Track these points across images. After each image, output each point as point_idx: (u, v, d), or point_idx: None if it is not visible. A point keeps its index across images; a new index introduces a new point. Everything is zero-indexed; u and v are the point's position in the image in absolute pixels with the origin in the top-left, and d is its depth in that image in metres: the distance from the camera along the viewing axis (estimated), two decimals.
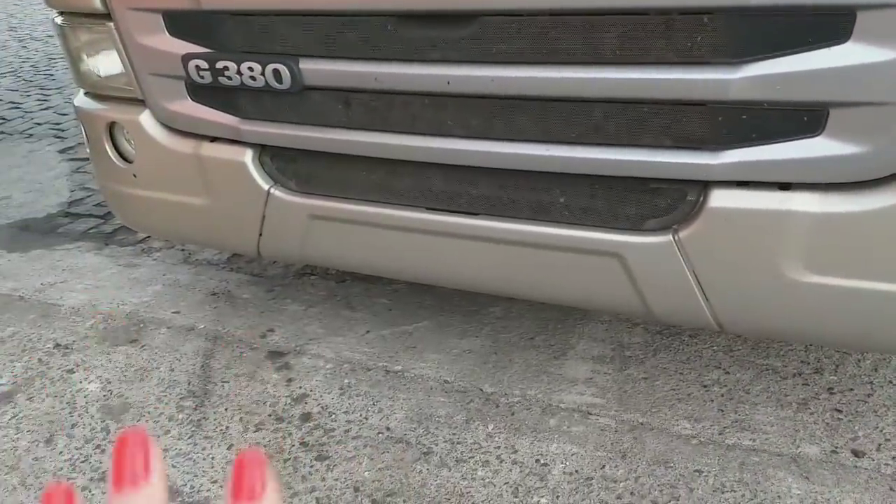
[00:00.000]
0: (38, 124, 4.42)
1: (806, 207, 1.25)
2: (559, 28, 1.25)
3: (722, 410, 1.84)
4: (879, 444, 1.71)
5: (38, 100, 4.95)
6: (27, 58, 6.26)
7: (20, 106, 4.81)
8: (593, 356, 2.08)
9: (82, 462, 1.77)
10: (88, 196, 3.35)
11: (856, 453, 1.69)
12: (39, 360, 2.17)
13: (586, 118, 1.32)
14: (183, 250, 2.82)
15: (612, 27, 1.22)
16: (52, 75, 5.60)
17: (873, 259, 1.25)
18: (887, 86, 1.12)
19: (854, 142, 1.17)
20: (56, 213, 3.21)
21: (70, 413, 1.94)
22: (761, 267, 1.32)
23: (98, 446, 1.82)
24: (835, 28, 1.11)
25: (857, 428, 1.76)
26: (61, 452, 1.81)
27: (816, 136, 1.19)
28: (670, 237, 1.37)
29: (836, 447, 1.71)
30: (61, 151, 3.95)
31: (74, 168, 3.70)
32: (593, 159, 1.34)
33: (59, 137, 4.17)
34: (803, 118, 1.18)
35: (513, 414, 1.87)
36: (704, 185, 1.31)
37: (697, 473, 1.65)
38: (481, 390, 1.96)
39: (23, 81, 5.44)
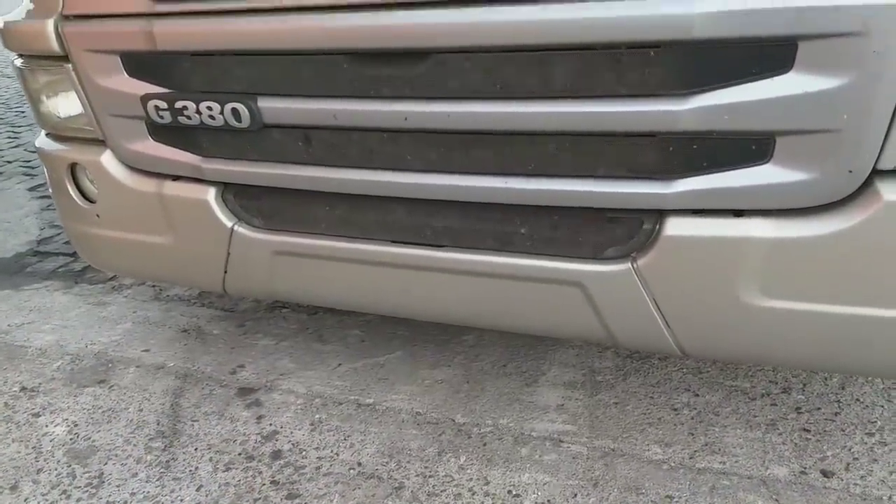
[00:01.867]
0: (8, 162, 4.39)
1: (759, 233, 1.27)
2: (511, 64, 1.27)
3: (692, 434, 1.84)
4: (848, 464, 1.72)
5: (8, 137, 4.91)
6: None
7: None
8: (564, 382, 2.08)
9: None
10: (58, 234, 3.32)
11: (825, 473, 1.70)
12: (5, 403, 2.13)
13: (541, 151, 1.33)
14: (154, 287, 2.80)
15: (562, 62, 1.24)
16: (22, 112, 5.57)
17: (826, 282, 1.27)
18: (830, 113, 1.14)
19: (801, 168, 1.20)
20: (24, 252, 3.17)
21: (36, 458, 1.90)
22: (719, 293, 1.33)
23: (64, 492, 1.78)
24: (777, 58, 1.14)
25: (825, 447, 1.77)
26: (27, 499, 1.77)
27: (765, 163, 1.21)
28: (629, 265, 1.38)
29: (805, 468, 1.72)
30: (31, 189, 3.92)
31: (44, 206, 3.67)
32: (550, 191, 1.36)
33: (28, 175, 4.14)
34: (751, 146, 1.21)
35: (485, 444, 1.86)
36: (660, 214, 1.33)
37: (668, 499, 1.65)
38: (453, 421, 1.95)
39: None
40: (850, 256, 1.24)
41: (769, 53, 1.14)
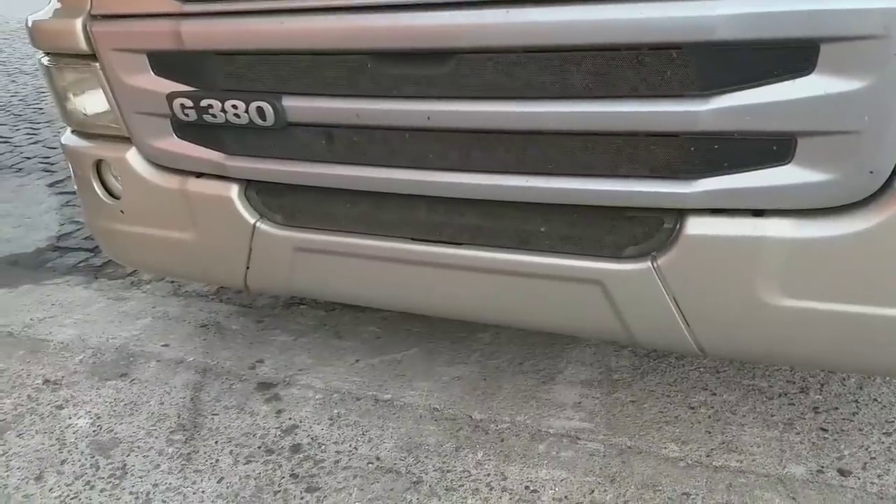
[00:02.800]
0: (27, 158, 4.44)
1: (779, 233, 1.28)
2: (534, 64, 1.28)
3: (709, 432, 1.85)
4: (865, 463, 1.73)
5: (28, 134, 4.97)
6: (16, 92, 6.30)
7: (9, 140, 4.83)
8: (581, 380, 2.09)
9: (72, 499, 1.77)
10: (77, 230, 3.36)
11: (842, 472, 1.70)
12: (29, 396, 2.17)
13: (562, 150, 1.35)
14: (172, 283, 2.83)
15: (585, 62, 1.25)
16: (41, 109, 5.63)
17: (846, 282, 1.28)
18: (851, 115, 1.15)
19: (822, 169, 1.20)
20: (45, 248, 3.21)
21: (59, 449, 1.94)
22: (738, 292, 1.35)
23: (88, 482, 1.82)
24: (799, 60, 1.15)
25: (842, 447, 1.78)
26: (51, 489, 1.80)
27: (786, 164, 1.22)
28: (649, 264, 1.39)
29: (823, 467, 1.72)
30: (50, 185, 3.97)
31: (63, 202, 3.72)
32: (571, 189, 1.37)
33: (48, 171, 4.19)
34: (773, 147, 1.22)
35: (502, 440, 1.88)
36: (680, 213, 1.34)
37: (685, 496, 1.66)
38: (471, 417, 1.97)
39: (12, 115, 5.47)
40: (871, 256, 1.25)
41: (791, 55, 1.15)
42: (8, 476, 1.85)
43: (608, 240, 1.43)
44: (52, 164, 4.30)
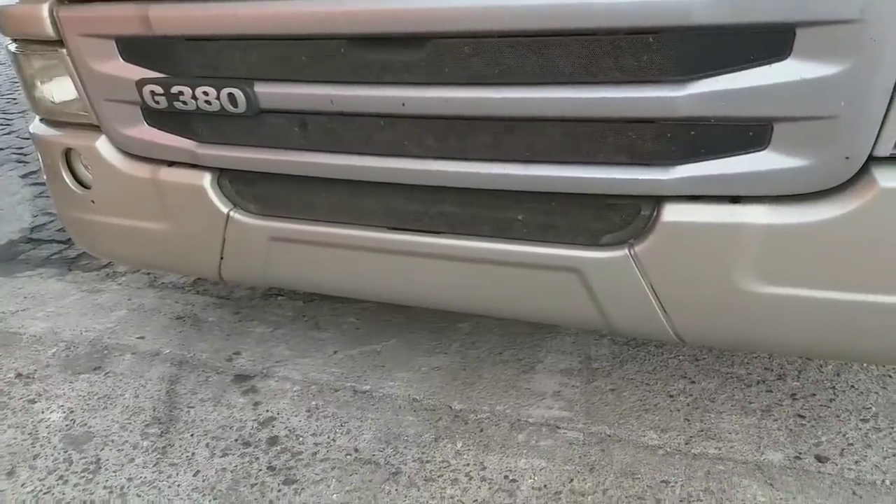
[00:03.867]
0: (0, 149, 4.36)
1: (756, 219, 1.27)
2: (509, 49, 1.26)
3: (688, 420, 1.86)
4: (842, 449, 1.74)
5: (0, 124, 4.88)
6: None
7: None
8: (561, 369, 2.09)
9: (45, 493, 1.74)
10: (51, 221, 3.31)
11: (819, 459, 1.71)
12: (0, 390, 2.13)
13: (539, 137, 1.33)
14: (148, 274, 2.79)
15: (561, 48, 1.23)
16: (14, 99, 5.53)
17: (823, 269, 1.28)
18: (828, 100, 1.14)
19: (799, 155, 1.20)
20: (18, 240, 3.16)
21: (32, 444, 1.90)
22: (715, 279, 1.34)
23: (61, 477, 1.79)
24: (775, 45, 1.14)
25: (820, 433, 1.79)
26: (24, 484, 1.77)
27: (763, 150, 1.21)
28: (626, 251, 1.38)
29: (800, 453, 1.73)
30: (23, 176, 3.90)
31: (37, 193, 3.65)
32: (548, 177, 1.35)
33: (21, 162, 4.12)
34: (749, 133, 1.21)
35: (481, 430, 1.87)
36: (657, 200, 1.33)
37: (664, 484, 1.66)
38: (450, 407, 1.96)
39: None
40: (847, 243, 1.25)
41: (767, 40, 1.14)
42: None
43: (585, 227, 1.42)
44: (26, 154, 4.23)
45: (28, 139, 4.45)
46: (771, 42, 1.13)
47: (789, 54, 1.13)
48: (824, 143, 1.18)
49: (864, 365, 2.01)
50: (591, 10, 1.19)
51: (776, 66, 1.14)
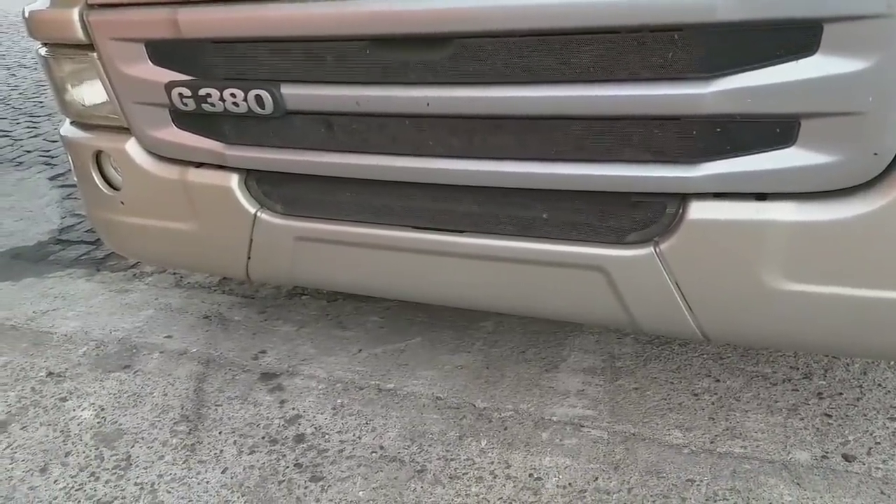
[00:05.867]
0: (28, 152, 4.44)
1: (782, 217, 1.27)
2: (534, 48, 1.27)
3: (713, 419, 1.85)
4: (870, 448, 1.72)
5: (28, 127, 4.96)
6: (16, 85, 6.28)
7: (9, 134, 4.83)
8: (584, 368, 2.09)
9: (77, 490, 1.77)
10: (79, 222, 3.36)
11: (846, 458, 1.70)
12: (32, 388, 2.17)
13: (564, 135, 1.33)
14: (174, 274, 2.83)
15: (585, 46, 1.24)
16: (41, 102, 5.62)
17: (850, 266, 1.27)
18: (856, 96, 1.14)
19: (826, 152, 1.19)
20: (47, 241, 3.21)
21: (64, 441, 1.94)
22: (741, 277, 1.34)
23: (93, 474, 1.82)
24: (802, 41, 1.14)
25: (847, 432, 1.77)
26: (56, 481, 1.81)
27: (789, 146, 1.21)
28: (651, 249, 1.38)
29: (827, 452, 1.72)
30: (51, 178, 3.97)
31: (65, 195, 3.71)
32: (572, 175, 1.36)
33: (48, 165, 4.19)
34: (776, 130, 1.20)
35: (505, 428, 1.88)
36: (683, 198, 1.33)
37: (690, 483, 1.66)
38: (474, 406, 1.97)
39: (12, 109, 5.46)
40: (875, 239, 1.24)
41: (794, 36, 1.14)
42: (13, 468, 1.86)
43: (610, 226, 1.42)
44: (53, 157, 4.30)
45: (55, 142, 4.54)
46: (798, 38, 1.13)
47: (817, 50, 1.13)
48: (852, 139, 1.17)
49: (892, 363, 1.99)
50: (617, 8, 1.19)
51: (803, 62, 1.14)
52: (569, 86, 1.28)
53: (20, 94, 5.95)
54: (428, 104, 1.40)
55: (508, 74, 1.32)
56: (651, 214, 1.38)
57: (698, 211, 1.32)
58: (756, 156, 1.23)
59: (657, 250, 1.38)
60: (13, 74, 6.76)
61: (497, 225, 1.53)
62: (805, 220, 1.26)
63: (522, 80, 1.31)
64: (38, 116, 5.22)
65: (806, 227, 1.26)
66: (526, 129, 1.37)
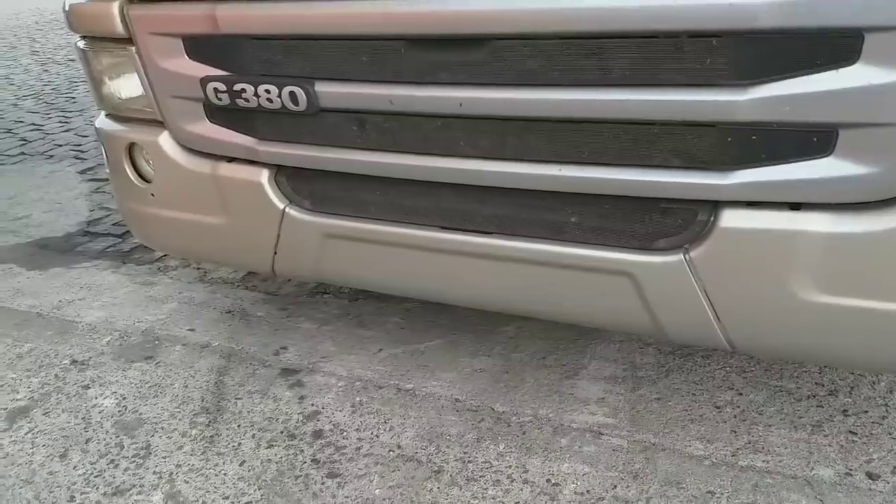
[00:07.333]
0: (59, 146, 4.51)
1: (817, 227, 1.26)
2: (569, 51, 1.27)
3: (735, 432, 1.83)
4: (894, 467, 1.69)
5: (59, 122, 5.04)
6: (49, 81, 6.39)
7: (41, 128, 4.91)
8: (605, 376, 2.07)
9: (96, 477, 1.79)
10: (107, 215, 3.41)
11: (871, 476, 1.67)
12: (56, 375, 2.20)
13: (597, 139, 1.33)
14: (198, 269, 2.85)
15: (621, 50, 1.24)
16: (73, 98, 5.71)
17: (885, 279, 1.25)
18: (895, 106, 1.13)
19: (864, 162, 1.18)
20: (75, 233, 3.26)
21: (85, 428, 1.96)
22: (772, 287, 1.32)
23: (112, 461, 1.84)
24: (843, 50, 1.13)
25: (871, 450, 1.75)
26: (76, 467, 1.82)
27: (826, 156, 1.20)
28: (681, 257, 1.37)
29: (851, 469, 1.69)
30: (81, 172, 4.02)
31: (94, 188, 3.77)
32: (604, 179, 1.36)
33: (79, 158, 4.25)
34: (813, 139, 1.20)
35: (524, 433, 1.87)
36: (715, 205, 1.32)
37: (710, 495, 1.64)
38: (493, 409, 1.96)
39: (44, 104, 5.55)
40: None
41: (835, 45, 1.13)
42: (33, 453, 1.88)
43: (640, 231, 1.42)
44: (83, 151, 4.36)
45: (86, 136, 4.61)
46: (838, 47, 1.12)
47: (857, 59, 1.12)
48: (890, 150, 1.16)
49: None
50: (654, 12, 1.19)
51: (843, 71, 1.13)
52: (603, 89, 1.28)
53: (53, 89, 6.05)
54: (461, 105, 1.41)
55: (543, 77, 1.32)
56: (682, 221, 1.37)
57: (730, 219, 1.31)
58: (792, 165, 1.22)
59: (687, 257, 1.37)
60: (46, 70, 6.88)
61: (526, 227, 1.53)
62: (839, 232, 1.25)
63: (557, 83, 1.31)
64: (70, 111, 5.31)
65: (840, 239, 1.25)
66: (558, 132, 1.37)
